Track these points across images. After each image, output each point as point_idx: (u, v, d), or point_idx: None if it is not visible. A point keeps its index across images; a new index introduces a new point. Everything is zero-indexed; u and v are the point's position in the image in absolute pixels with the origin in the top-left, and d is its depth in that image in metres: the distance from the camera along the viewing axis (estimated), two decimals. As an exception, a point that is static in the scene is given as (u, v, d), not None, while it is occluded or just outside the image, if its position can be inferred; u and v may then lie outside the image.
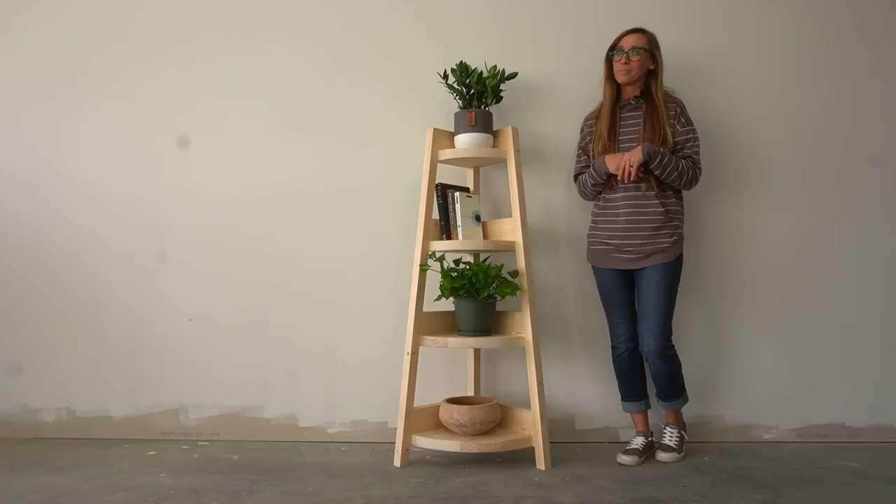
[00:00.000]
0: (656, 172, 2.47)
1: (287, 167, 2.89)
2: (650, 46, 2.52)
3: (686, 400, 2.65)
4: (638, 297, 2.58)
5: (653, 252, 2.51)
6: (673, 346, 2.55)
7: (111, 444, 2.78)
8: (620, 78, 2.54)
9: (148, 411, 2.88)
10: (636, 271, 2.57)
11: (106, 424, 2.88)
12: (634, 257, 2.53)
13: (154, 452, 2.65)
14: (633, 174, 2.44)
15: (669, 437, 2.62)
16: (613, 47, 2.55)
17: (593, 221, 2.66)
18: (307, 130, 2.89)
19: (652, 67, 2.53)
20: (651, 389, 2.70)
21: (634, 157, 2.44)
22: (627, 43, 2.51)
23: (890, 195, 2.90)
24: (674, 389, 2.60)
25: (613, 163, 2.51)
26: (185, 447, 2.74)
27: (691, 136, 2.53)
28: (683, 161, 2.50)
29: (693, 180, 2.55)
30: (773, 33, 2.89)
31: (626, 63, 2.50)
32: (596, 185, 2.61)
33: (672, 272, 2.53)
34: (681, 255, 2.56)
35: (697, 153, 2.55)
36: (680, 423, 2.67)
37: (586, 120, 2.71)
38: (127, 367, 2.89)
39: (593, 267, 2.67)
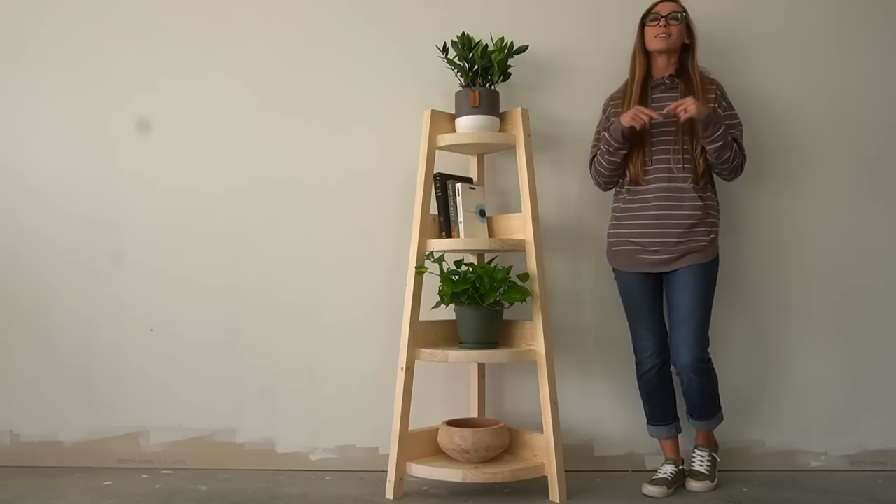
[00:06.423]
0: (709, 146, 2.40)
1: (261, 154, 2.86)
2: (686, 17, 2.53)
3: (721, 419, 2.59)
4: (668, 304, 2.53)
5: (687, 252, 2.46)
6: (710, 358, 2.50)
7: (61, 472, 2.74)
8: (657, 45, 2.50)
9: (103, 435, 2.84)
10: (666, 275, 2.51)
11: (55, 450, 2.84)
12: (665, 258, 2.47)
13: (110, 482, 2.61)
14: (684, 115, 2.34)
15: (700, 462, 2.55)
16: (648, 13, 2.53)
17: (615, 217, 2.59)
18: (284, 111, 2.86)
19: (687, 41, 2.54)
20: (681, 406, 2.62)
21: (694, 108, 2.33)
22: (665, 9, 2.51)
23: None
24: (709, 408, 2.54)
25: (627, 116, 2.42)
26: (145, 476, 2.70)
27: (735, 120, 2.53)
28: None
29: (739, 169, 2.53)
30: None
31: (665, 27, 2.48)
32: (612, 155, 2.50)
33: (709, 274, 2.48)
34: (717, 257, 2.52)
35: (742, 140, 2.53)
36: (711, 445, 2.61)
37: (611, 99, 2.65)
38: (79, 384, 2.85)
39: (615, 270, 2.61)
